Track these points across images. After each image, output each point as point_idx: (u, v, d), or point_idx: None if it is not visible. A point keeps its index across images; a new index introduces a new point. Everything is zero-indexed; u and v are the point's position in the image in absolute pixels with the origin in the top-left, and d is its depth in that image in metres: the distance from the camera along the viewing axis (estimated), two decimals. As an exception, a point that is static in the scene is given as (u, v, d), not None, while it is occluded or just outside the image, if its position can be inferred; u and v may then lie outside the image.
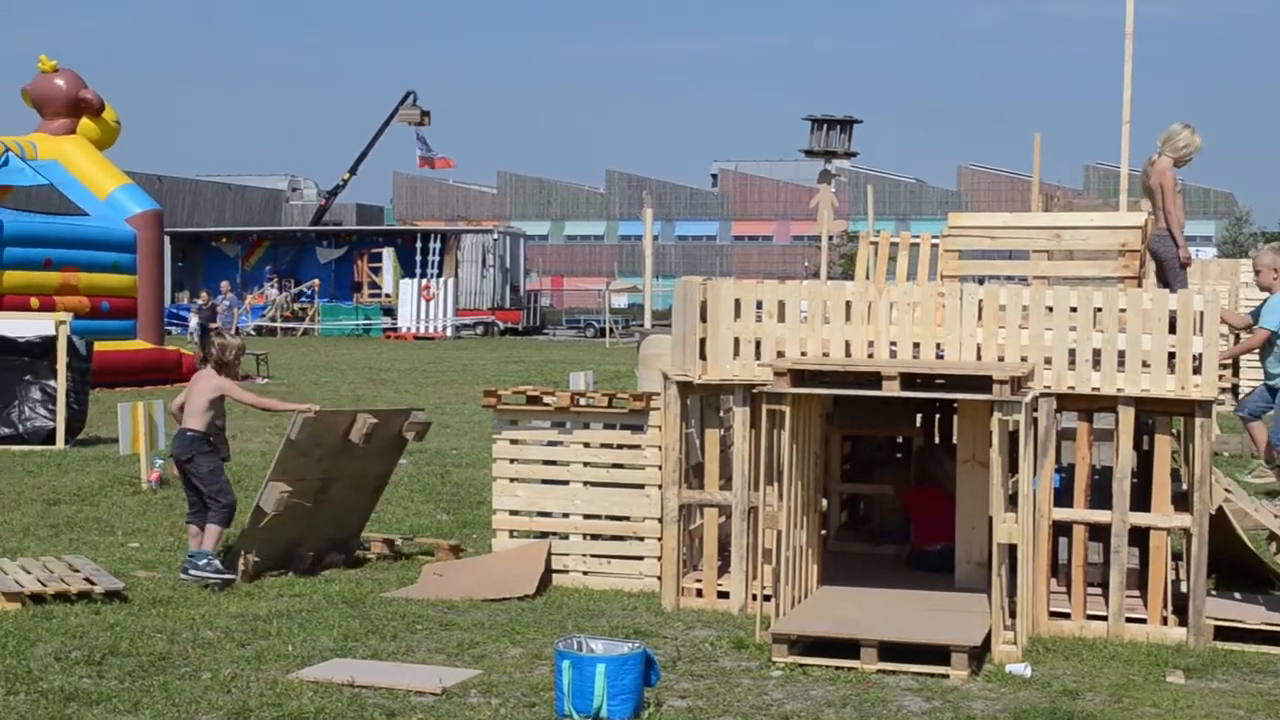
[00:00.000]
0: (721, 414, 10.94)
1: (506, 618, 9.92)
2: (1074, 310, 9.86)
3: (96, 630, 9.37)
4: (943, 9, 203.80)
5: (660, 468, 10.69)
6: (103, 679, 8.31)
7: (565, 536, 11.20)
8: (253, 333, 57.83)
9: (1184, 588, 9.89)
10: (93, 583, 10.35)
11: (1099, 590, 10.00)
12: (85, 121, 32.40)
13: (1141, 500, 9.97)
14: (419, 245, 70.84)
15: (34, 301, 27.94)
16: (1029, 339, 9.91)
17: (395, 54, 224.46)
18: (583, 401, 11.15)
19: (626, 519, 11.07)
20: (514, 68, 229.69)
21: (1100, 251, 11.73)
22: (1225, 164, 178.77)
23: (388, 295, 69.61)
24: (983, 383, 9.01)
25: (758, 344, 10.35)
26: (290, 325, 66.10)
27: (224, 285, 44.50)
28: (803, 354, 10.17)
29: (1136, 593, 10.00)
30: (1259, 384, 15.91)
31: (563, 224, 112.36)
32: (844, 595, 10.06)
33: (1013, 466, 9.41)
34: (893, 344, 10.11)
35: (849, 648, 8.76)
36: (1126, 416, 9.75)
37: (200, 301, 45.27)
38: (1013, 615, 9.21)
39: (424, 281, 68.40)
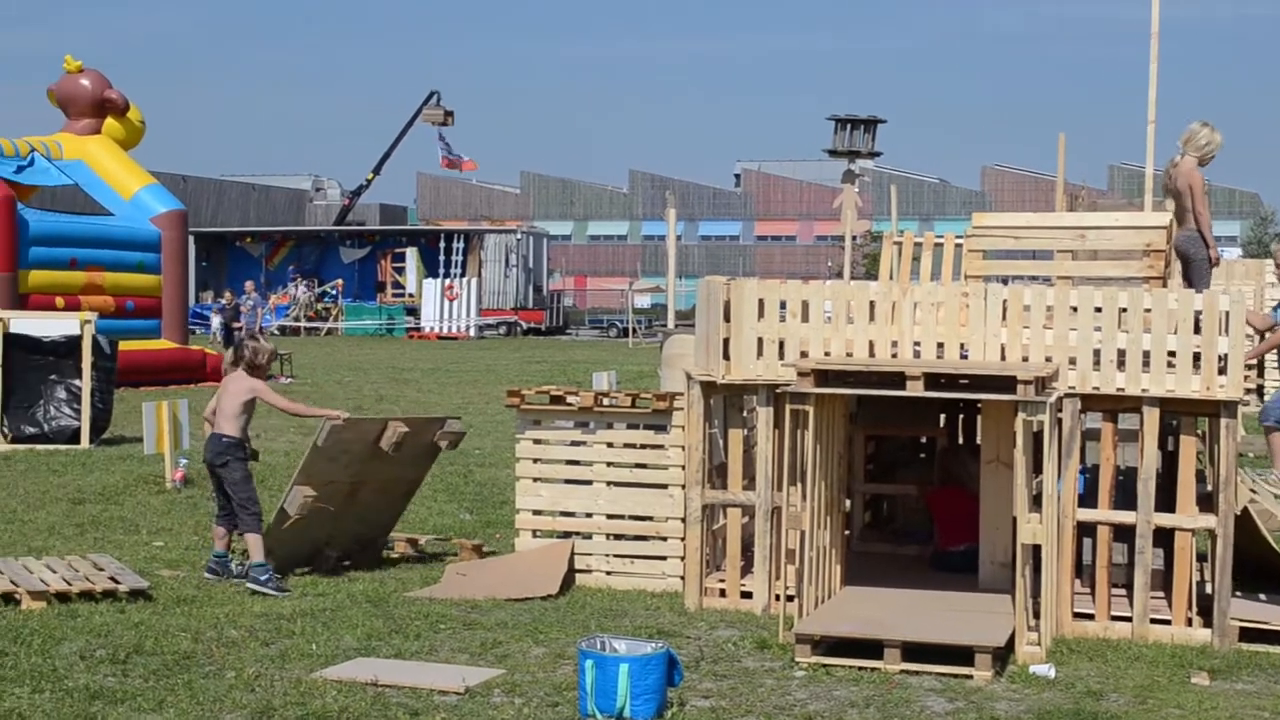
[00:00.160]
0: (745, 414, 10.94)
1: (530, 617, 9.92)
2: (1099, 310, 9.83)
3: (121, 629, 9.40)
4: (968, 8, 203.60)
5: (683, 468, 10.69)
6: (127, 677, 8.34)
7: (588, 536, 11.21)
8: (276, 332, 57.94)
9: (1209, 589, 9.85)
10: (117, 581, 10.38)
11: (1123, 591, 9.98)
12: (110, 121, 32.50)
13: (1166, 501, 9.94)
14: (442, 245, 70.93)
15: (59, 301, 28.06)
16: (1053, 339, 9.89)
17: (419, 54, 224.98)
18: (606, 401, 11.16)
19: (650, 519, 11.07)
20: (537, 68, 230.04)
21: (1125, 251, 11.71)
22: (1251, 164, 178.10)
23: (411, 295, 69.72)
24: (1007, 383, 8.99)
25: (781, 344, 10.34)
26: (314, 325, 66.24)
27: (248, 285, 44.60)
28: (826, 354, 10.16)
29: (1161, 594, 9.97)
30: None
31: (586, 224, 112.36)
32: (867, 596, 10.05)
33: (1037, 467, 9.38)
34: (916, 344, 10.09)
35: (872, 648, 8.75)
36: (1151, 417, 9.72)
37: (223, 301, 45.41)
38: (1037, 616, 9.19)
39: (447, 281, 68.46)
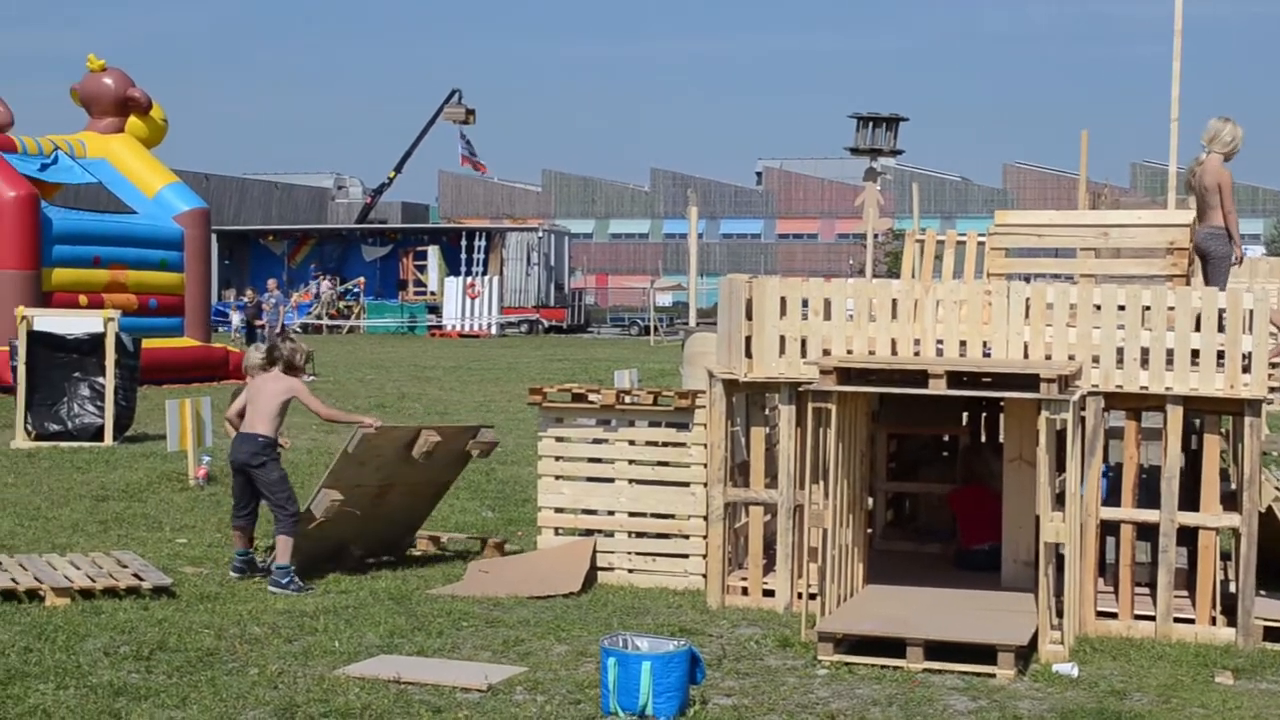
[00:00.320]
0: (767, 412, 10.93)
1: (552, 615, 9.93)
2: (1122, 308, 9.81)
3: (145, 626, 9.43)
4: (990, 6, 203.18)
5: (705, 466, 10.69)
6: (151, 674, 8.36)
7: (610, 534, 11.21)
8: (299, 330, 58.04)
9: (1233, 588, 9.83)
10: (141, 578, 10.42)
11: (1147, 590, 9.95)
12: (133, 120, 32.60)
13: (1190, 500, 9.91)
14: (464, 243, 70.95)
15: (83, 299, 28.14)
16: (1076, 337, 9.86)
17: (440, 53, 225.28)
18: (628, 399, 11.16)
19: (671, 517, 11.07)
20: (558, 66, 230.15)
21: (1148, 249, 11.68)
22: (1275, 161, 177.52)
23: (433, 293, 69.75)
24: (1030, 381, 8.98)
25: (803, 342, 10.34)
26: (336, 323, 66.35)
27: (271, 283, 44.69)
28: (848, 352, 10.15)
29: (1184, 593, 9.95)
30: None
31: (607, 222, 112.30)
32: (890, 594, 10.04)
33: (1060, 465, 9.36)
34: (939, 342, 10.07)
35: (895, 647, 8.74)
36: (1175, 415, 9.69)
37: (246, 299, 45.49)
38: (1060, 615, 9.18)
39: (469, 279, 68.48)
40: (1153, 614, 9.73)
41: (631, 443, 11.16)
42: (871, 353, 10.13)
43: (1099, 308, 9.85)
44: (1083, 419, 9.67)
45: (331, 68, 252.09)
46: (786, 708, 7.90)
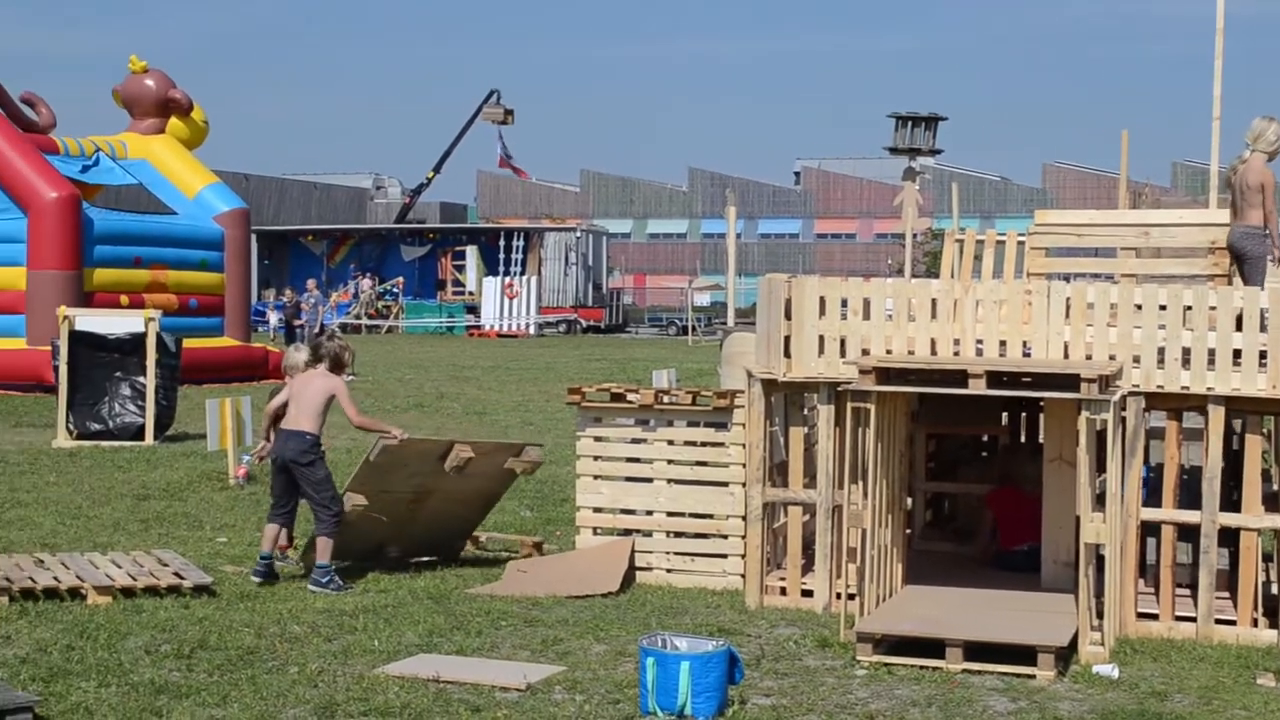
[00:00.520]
0: (806, 412, 10.92)
1: (590, 615, 9.94)
2: (1163, 308, 9.76)
3: (185, 624, 9.48)
4: (1030, 6, 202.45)
5: (744, 466, 10.69)
6: (192, 672, 8.40)
7: (649, 534, 11.21)
8: (338, 330, 58.22)
9: (1275, 589, 9.77)
10: (182, 577, 10.46)
11: (1188, 591, 9.90)
12: (174, 121, 32.78)
13: (1231, 500, 9.86)
14: (502, 243, 71.03)
15: (124, 299, 28.32)
16: (1117, 337, 9.82)
17: (479, 53, 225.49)
18: (666, 399, 11.16)
19: (710, 517, 11.07)
20: (596, 66, 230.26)
21: (1189, 249, 11.64)
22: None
23: (471, 293, 69.85)
24: (1070, 381, 8.94)
25: (842, 342, 10.32)
26: (375, 323, 66.53)
27: (310, 283, 44.88)
28: (888, 352, 10.13)
29: (1226, 594, 9.89)
30: None
31: (645, 222, 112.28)
32: (929, 595, 10.02)
33: (1100, 466, 9.33)
34: (979, 342, 10.04)
35: (934, 647, 8.72)
36: (1216, 416, 9.64)
37: (285, 299, 45.67)
38: (1100, 616, 9.14)
39: (507, 279, 68.56)
40: (1194, 615, 9.68)
41: (670, 442, 11.16)
42: (911, 352, 10.10)
43: (1140, 307, 9.80)
44: (1123, 419, 9.63)
45: (371, 69, 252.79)
46: (825, 708, 7.89)
